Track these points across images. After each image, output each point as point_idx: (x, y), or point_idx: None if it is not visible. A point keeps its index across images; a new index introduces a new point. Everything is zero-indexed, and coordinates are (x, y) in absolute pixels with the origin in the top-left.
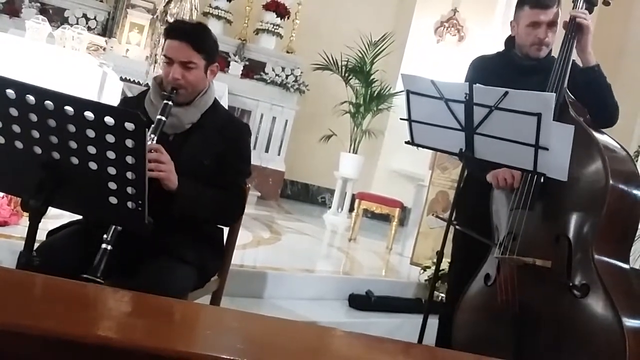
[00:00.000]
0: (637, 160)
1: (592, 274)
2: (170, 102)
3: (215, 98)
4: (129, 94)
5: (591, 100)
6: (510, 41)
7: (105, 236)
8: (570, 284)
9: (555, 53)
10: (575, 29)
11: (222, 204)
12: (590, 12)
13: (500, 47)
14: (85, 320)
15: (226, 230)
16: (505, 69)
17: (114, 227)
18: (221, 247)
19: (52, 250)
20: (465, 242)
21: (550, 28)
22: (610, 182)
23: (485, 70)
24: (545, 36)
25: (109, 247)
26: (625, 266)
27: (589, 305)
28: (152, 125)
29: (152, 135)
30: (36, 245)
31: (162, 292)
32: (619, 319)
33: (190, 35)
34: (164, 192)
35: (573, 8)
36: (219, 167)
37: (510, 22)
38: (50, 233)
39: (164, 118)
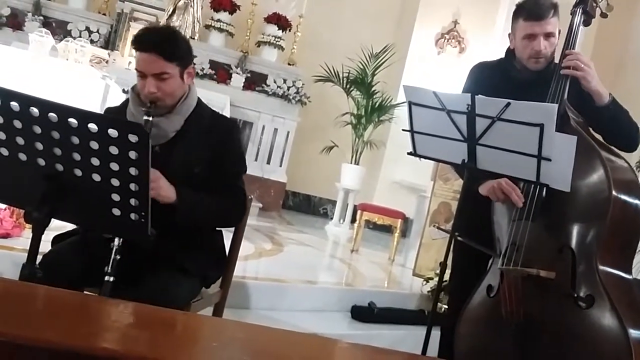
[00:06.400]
0: (638, 172)
1: (596, 285)
2: (150, 118)
3: (199, 99)
4: None
5: (612, 131)
6: (511, 51)
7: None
8: (575, 295)
9: (557, 60)
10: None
11: (223, 208)
12: (588, 24)
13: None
14: (88, 332)
15: (228, 240)
16: (504, 82)
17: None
18: (223, 253)
19: (54, 262)
20: (467, 253)
21: (547, 39)
22: (613, 192)
23: (484, 82)
24: (541, 48)
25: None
26: (628, 277)
27: (594, 317)
28: None
29: None
30: (39, 256)
31: (166, 303)
32: (625, 330)
33: (158, 46)
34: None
35: (571, 21)
36: (212, 172)
37: (508, 35)
38: (56, 239)
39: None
